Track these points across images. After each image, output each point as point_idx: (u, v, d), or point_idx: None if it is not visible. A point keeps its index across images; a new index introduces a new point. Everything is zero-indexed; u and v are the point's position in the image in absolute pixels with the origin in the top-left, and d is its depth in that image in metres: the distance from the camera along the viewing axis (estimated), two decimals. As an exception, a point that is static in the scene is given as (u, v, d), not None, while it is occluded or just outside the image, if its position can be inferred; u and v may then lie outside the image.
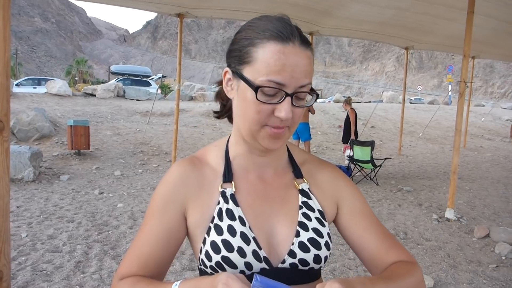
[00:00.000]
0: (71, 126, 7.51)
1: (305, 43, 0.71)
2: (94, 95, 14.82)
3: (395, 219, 4.76)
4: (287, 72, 0.68)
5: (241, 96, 0.73)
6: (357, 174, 7.19)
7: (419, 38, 8.64)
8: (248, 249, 0.73)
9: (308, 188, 0.84)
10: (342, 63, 79.49)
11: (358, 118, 8.49)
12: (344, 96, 25.96)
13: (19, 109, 9.86)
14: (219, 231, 0.75)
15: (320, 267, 0.79)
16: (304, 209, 0.80)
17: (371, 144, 7.27)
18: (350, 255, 3.55)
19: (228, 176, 0.81)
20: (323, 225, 0.80)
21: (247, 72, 0.70)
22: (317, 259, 0.76)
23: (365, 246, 0.81)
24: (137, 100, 15.27)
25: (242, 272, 0.72)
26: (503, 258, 3.66)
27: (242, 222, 0.76)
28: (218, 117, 0.90)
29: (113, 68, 29.24)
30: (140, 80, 20.92)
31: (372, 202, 5.55)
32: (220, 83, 0.83)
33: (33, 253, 3.42)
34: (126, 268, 0.77)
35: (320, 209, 0.82)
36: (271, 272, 0.73)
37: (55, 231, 3.98)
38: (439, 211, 5.15)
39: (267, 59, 0.68)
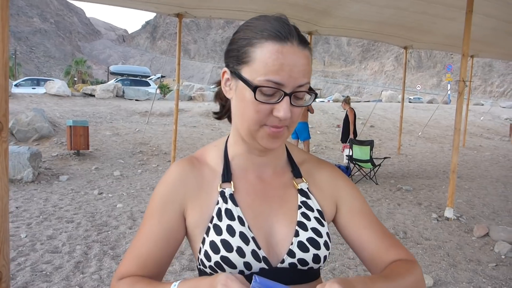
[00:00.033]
0: (70, 126, 7.50)
1: (303, 42, 0.71)
2: (93, 96, 14.81)
3: (395, 219, 4.77)
4: (285, 71, 0.68)
5: (239, 96, 0.73)
6: (356, 174, 7.19)
7: (418, 37, 8.65)
8: (247, 249, 0.73)
9: (307, 188, 0.84)
10: (341, 62, 79.50)
11: (357, 117, 8.50)
12: (343, 96, 25.99)
13: (18, 110, 9.85)
14: (218, 231, 0.75)
15: (319, 266, 0.78)
16: (303, 209, 0.80)
17: (370, 143, 7.28)
18: (350, 254, 3.55)
19: (227, 176, 0.81)
20: (322, 225, 0.79)
21: (246, 72, 0.70)
22: (316, 258, 0.76)
23: (365, 245, 0.81)
24: (136, 100, 15.25)
25: (241, 272, 0.72)
26: (503, 257, 3.67)
27: (241, 222, 0.76)
28: (218, 118, 0.90)
29: (112, 68, 29.25)
30: (139, 80, 20.88)
31: (372, 202, 5.55)
32: (218, 83, 0.83)
33: (32, 253, 3.42)
34: (125, 268, 0.77)
35: (319, 208, 0.82)
36: (270, 272, 0.73)
37: (54, 231, 3.98)
38: (438, 210, 5.15)
39: (265, 59, 0.68)
